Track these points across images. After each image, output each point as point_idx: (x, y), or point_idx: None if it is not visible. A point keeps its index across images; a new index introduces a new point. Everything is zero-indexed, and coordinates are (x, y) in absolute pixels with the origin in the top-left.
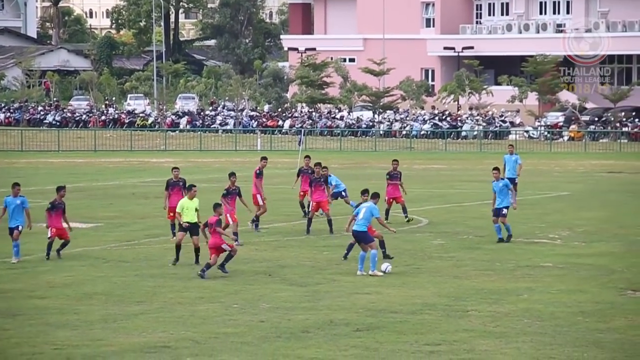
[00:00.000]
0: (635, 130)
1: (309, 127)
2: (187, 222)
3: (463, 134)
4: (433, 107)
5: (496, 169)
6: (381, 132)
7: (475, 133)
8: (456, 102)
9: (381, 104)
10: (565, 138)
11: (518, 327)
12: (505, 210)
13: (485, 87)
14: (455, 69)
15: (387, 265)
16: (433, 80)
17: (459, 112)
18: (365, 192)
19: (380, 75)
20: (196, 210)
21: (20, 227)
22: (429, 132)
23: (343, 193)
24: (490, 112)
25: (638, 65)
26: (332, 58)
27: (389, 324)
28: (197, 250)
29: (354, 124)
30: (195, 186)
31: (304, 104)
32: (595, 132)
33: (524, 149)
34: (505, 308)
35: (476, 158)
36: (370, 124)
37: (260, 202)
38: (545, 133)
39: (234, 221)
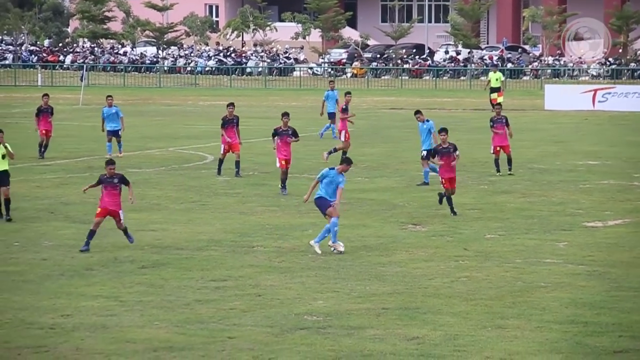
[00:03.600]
0: (416, 67)
1: (91, 62)
2: None
3: (248, 70)
4: (217, 44)
5: (418, 112)
6: (165, 68)
7: (260, 69)
8: (240, 39)
9: (165, 39)
10: (349, 75)
11: (303, 262)
12: (424, 153)
13: (269, 23)
14: (240, 5)
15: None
16: (217, 16)
17: (243, 49)
18: (443, 130)
19: (163, 10)
20: (3, 157)
21: None
22: (213, 69)
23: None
24: (274, 49)
25: (418, 3)
26: None
27: (174, 260)
28: (7, 201)
29: (138, 60)
30: (2, 131)
31: (85, 39)
32: (377, 69)
33: (308, 85)
34: (291, 243)
35: (261, 95)
36: (154, 59)
37: (343, 138)
38: (329, 70)
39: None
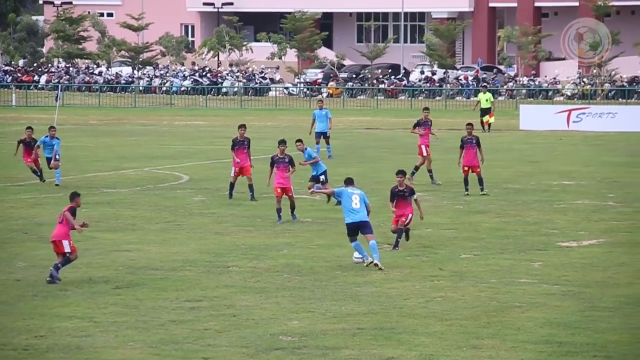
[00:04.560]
0: (392, 87)
1: (66, 82)
2: None
3: (223, 90)
4: (193, 63)
5: (299, 140)
6: (141, 88)
7: (236, 89)
8: (216, 59)
9: (140, 59)
10: (324, 94)
11: (278, 282)
12: (322, 177)
13: (245, 43)
14: (215, 25)
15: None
16: (193, 36)
17: (219, 69)
18: (400, 173)
19: (139, 30)
20: None
21: None
22: (189, 89)
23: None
24: (250, 69)
25: (394, 23)
26: (89, 12)
27: (149, 281)
28: None
29: (113, 80)
30: None
31: (60, 59)
32: (353, 88)
33: (283, 105)
34: (266, 263)
35: (237, 114)
36: (130, 79)
37: (424, 153)
38: (305, 90)
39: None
